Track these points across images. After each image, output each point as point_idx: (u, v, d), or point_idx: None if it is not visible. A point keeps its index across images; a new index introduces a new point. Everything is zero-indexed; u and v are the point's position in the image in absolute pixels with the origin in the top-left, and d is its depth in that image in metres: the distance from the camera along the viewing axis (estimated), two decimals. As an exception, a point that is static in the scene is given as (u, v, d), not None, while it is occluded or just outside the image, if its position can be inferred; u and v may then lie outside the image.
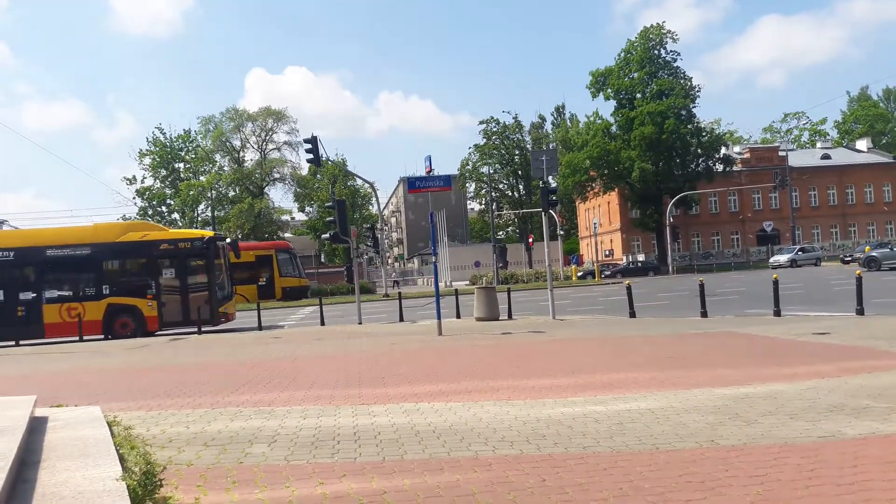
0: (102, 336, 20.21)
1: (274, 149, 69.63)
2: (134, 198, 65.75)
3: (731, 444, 4.93)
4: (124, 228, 21.91)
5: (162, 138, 67.09)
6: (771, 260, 50.16)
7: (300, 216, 70.28)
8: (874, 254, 35.13)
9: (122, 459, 4.12)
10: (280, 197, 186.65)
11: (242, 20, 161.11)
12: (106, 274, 20.71)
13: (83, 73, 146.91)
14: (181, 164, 68.48)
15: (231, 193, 66.83)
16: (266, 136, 69.37)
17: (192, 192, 62.66)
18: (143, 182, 66.62)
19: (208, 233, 22.30)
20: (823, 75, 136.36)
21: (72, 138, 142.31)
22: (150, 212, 65.47)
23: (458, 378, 8.71)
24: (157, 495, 3.74)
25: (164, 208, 66.46)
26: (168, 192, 66.70)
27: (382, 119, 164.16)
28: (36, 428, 5.14)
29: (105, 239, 20.82)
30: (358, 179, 62.45)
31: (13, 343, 19.77)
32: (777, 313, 15.29)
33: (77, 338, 19.60)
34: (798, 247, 51.22)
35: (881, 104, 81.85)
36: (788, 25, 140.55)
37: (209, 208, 65.32)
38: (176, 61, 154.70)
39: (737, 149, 68.03)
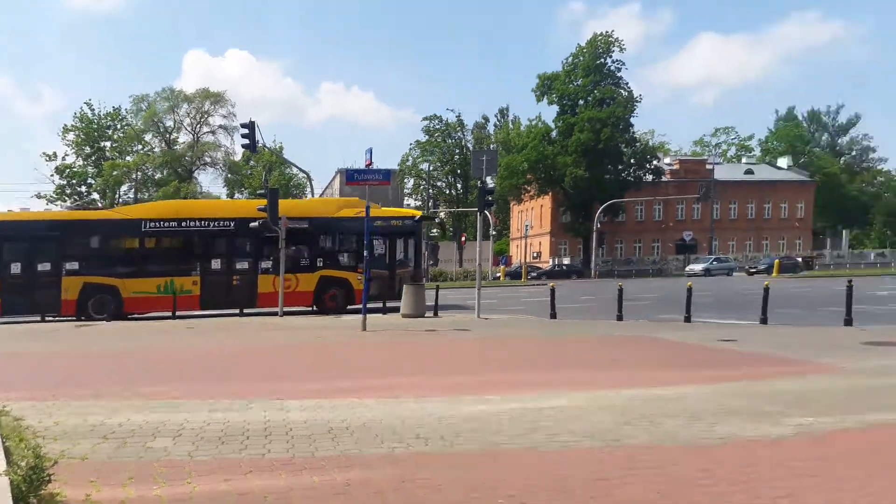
0: (310, 307, 20.24)
1: (208, 132, 67.56)
2: (52, 175, 62.44)
3: (636, 443, 5.09)
4: (341, 204, 21.80)
5: (90, 114, 63.87)
6: (686, 268, 51.77)
7: (229, 203, 68.36)
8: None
9: (7, 452, 3.90)
10: (209, 182, 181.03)
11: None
12: (320, 247, 20.63)
13: (14, 47, 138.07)
14: (108, 143, 65.49)
15: (158, 176, 64.45)
16: (201, 118, 67.21)
17: (115, 173, 59.98)
18: (63, 159, 63.28)
19: (418, 212, 22.13)
20: (756, 94, 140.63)
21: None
22: (68, 191, 62.21)
23: (379, 374, 8.67)
24: (43, 491, 3.54)
25: (84, 188, 63.38)
26: (91, 170, 63.61)
27: (323, 109, 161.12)
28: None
29: (323, 213, 20.96)
30: (294, 168, 61.37)
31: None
32: (687, 319, 15.80)
33: (292, 308, 19.79)
34: (713, 257, 53.10)
35: (803, 124, 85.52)
36: (724, 45, 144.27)
37: (133, 189, 62.85)
38: (115, 38, 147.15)
39: (667, 160, 69.95)
